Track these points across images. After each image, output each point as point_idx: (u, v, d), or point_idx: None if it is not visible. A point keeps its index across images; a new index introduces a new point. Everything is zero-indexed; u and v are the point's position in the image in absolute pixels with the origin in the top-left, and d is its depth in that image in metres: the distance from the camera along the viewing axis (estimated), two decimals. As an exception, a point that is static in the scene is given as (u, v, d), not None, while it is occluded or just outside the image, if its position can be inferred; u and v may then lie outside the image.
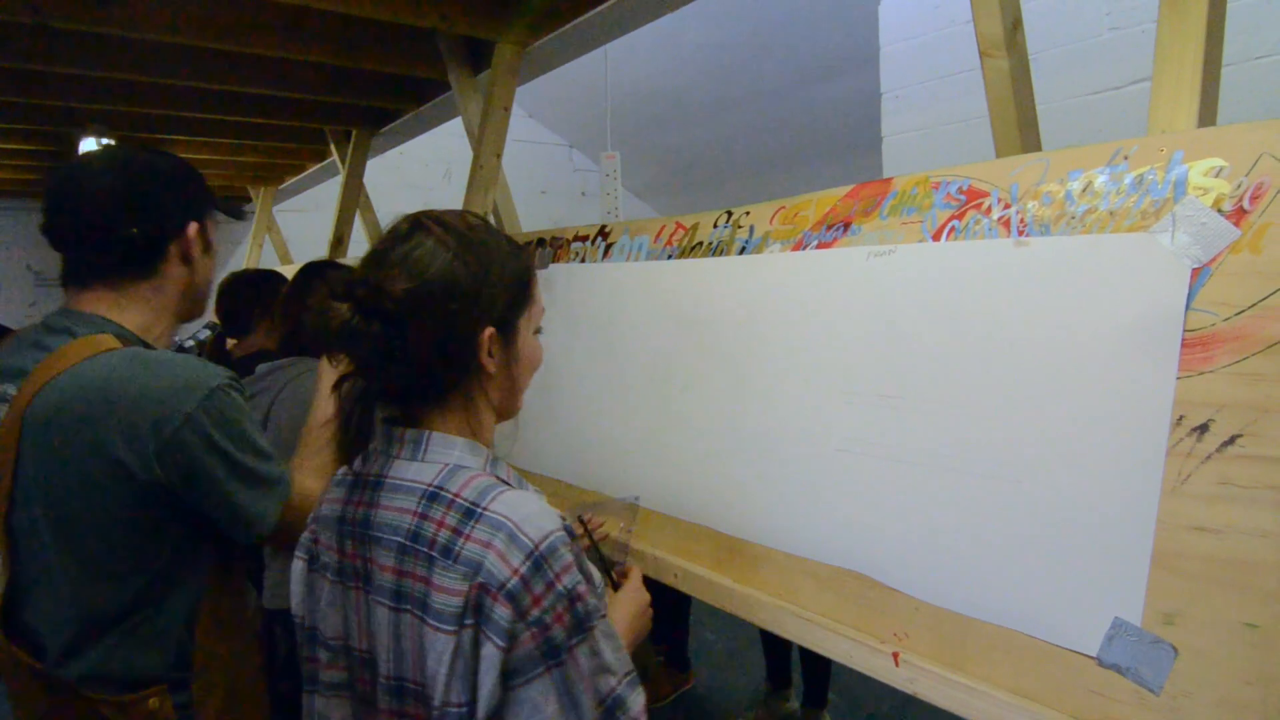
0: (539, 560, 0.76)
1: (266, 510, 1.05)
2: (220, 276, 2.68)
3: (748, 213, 1.46)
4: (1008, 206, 1.05)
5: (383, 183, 4.53)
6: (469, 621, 0.75)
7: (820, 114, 5.14)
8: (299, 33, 2.40)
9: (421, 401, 0.87)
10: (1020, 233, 1.03)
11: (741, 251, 1.44)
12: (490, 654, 0.74)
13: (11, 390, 1.03)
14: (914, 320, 1.13)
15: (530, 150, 6.87)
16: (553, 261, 1.97)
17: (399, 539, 0.81)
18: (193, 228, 1.14)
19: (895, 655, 1.10)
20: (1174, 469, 0.86)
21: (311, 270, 1.90)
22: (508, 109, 2.41)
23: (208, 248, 1.18)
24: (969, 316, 1.06)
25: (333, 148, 3.75)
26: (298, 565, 0.93)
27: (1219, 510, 0.82)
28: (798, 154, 5.65)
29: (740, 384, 1.41)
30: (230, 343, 2.68)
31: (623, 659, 0.82)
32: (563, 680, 0.76)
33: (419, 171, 6.08)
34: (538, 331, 0.94)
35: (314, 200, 5.50)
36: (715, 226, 1.52)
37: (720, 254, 1.49)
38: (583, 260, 1.87)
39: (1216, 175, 0.86)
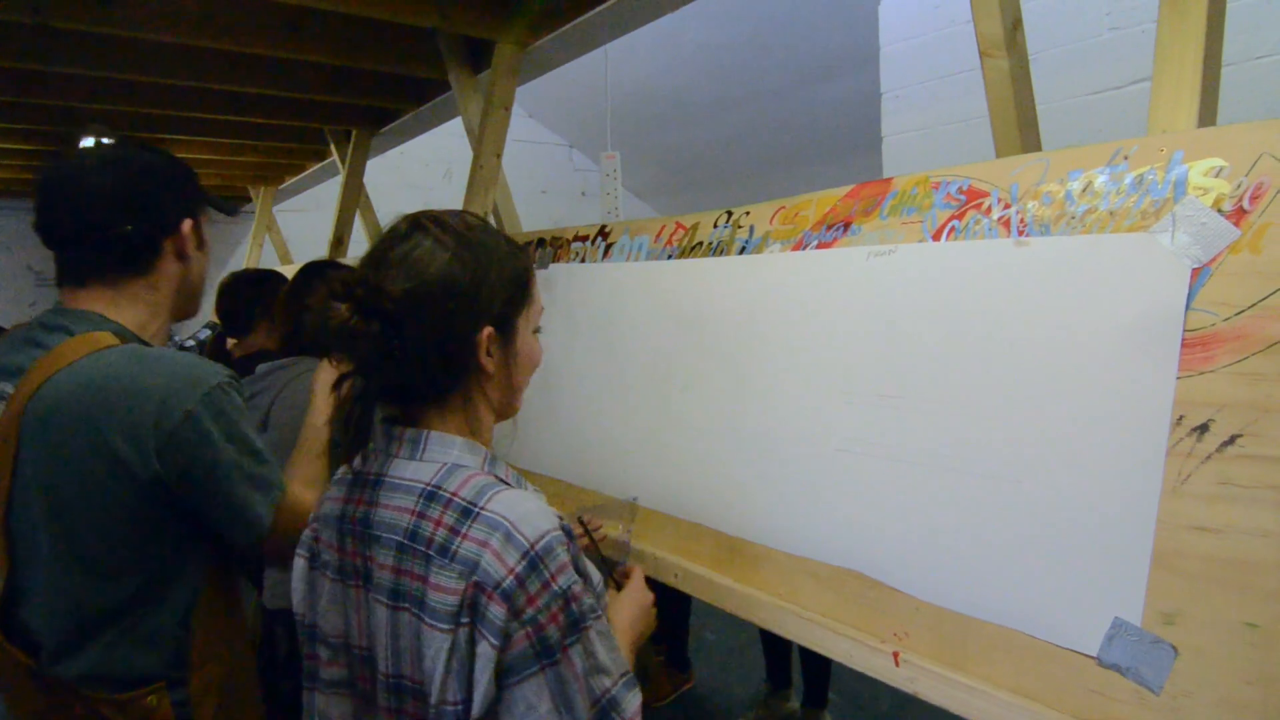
0: (535, 560, 0.76)
1: (263, 511, 1.05)
2: (220, 276, 2.68)
3: (748, 213, 1.46)
4: (1008, 206, 1.05)
5: (383, 183, 4.53)
6: (465, 620, 0.75)
7: (820, 114, 5.14)
8: (299, 33, 2.40)
9: (420, 401, 0.87)
10: (1020, 233, 1.03)
11: (741, 251, 1.44)
12: (485, 652, 0.74)
13: (8, 388, 1.03)
14: (914, 320, 1.13)
15: (530, 150, 6.87)
16: (553, 261, 1.96)
17: (397, 537, 0.81)
18: (187, 224, 1.14)
19: (895, 655, 1.10)
20: (1174, 469, 0.86)
21: (311, 270, 1.90)
22: (508, 109, 2.41)
23: (201, 244, 1.18)
24: (969, 316, 1.06)
25: (333, 148, 3.75)
26: (299, 563, 0.93)
27: (1219, 510, 0.82)
28: (798, 154, 5.65)
29: (740, 384, 1.41)
30: (230, 342, 2.68)
31: (618, 659, 0.82)
32: (556, 680, 0.76)
33: (419, 171, 6.08)
34: (537, 331, 0.94)
35: (314, 200, 5.50)
36: (715, 226, 1.52)
37: (720, 254, 1.49)
38: (583, 260, 1.87)
39: (1216, 175, 0.86)
